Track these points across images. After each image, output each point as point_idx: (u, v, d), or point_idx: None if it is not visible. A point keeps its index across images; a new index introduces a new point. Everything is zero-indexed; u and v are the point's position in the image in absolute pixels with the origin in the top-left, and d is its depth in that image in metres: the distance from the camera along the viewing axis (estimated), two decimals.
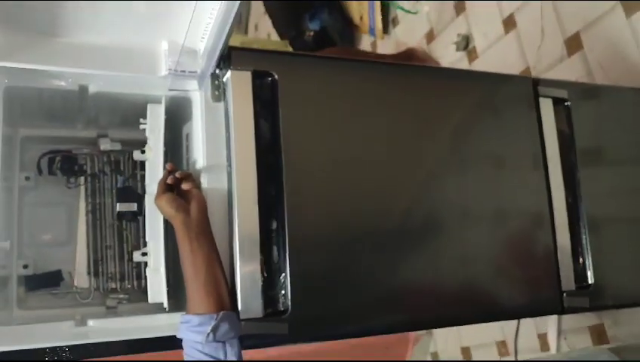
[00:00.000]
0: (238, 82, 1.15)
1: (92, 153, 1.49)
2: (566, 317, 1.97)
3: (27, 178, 1.43)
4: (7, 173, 1.34)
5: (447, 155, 1.37)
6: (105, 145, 1.46)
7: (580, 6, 1.90)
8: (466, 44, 2.44)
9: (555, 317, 2.00)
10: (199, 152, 1.19)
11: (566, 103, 1.49)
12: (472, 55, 2.41)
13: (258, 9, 4.05)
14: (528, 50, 2.12)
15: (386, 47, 2.98)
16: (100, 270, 1.46)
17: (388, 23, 2.98)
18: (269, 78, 1.19)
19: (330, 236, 1.20)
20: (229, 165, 1.15)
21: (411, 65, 1.91)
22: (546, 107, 1.47)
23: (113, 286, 1.47)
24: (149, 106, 1.22)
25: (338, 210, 1.22)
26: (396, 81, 1.38)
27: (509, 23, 2.22)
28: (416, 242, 1.29)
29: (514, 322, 2.13)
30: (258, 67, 1.18)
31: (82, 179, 1.48)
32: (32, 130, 1.43)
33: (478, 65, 2.37)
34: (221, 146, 1.17)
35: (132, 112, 1.35)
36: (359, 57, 2.67)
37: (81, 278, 1.45)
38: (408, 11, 2.81)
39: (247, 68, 1.16)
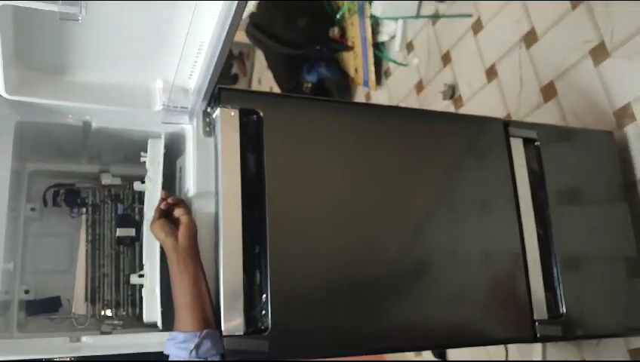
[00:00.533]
0: (227, 119, 1.27)
1: (94, 187, 1.60)
2: (550, 353, 2.02)
3: (32, 209, 1.53)
4: (14, 203, 1.45)
5: (427, 198, 1.47)
6: (106, 179, 1.58)
7: (554, 56, 2.04)
8: (452, 93, 2.58)
9: (539, 352, 2.05)
10: (191, 182, 1.30)
11: (536, 143, 1.60)
12: (457, 103, 2.55)
13: (261, 64, 4.24)
14: (509, 98, 2.25)
15: (380, 97, 3.13)
16: (97, 297, 1.54)
17: (381, 75, 3.14)
18: (255, 116, 1.31)
19: (309, 263, 1.29)
20: (217, 194, 1.25)
21: (391, 107, 2.03)
22: (517, 147, 1.58)
23: (109, 313, 1.55)
24: (149, 141, 1.34)
25: (318, 241, 1.32)
26: (377, 123, 1.49)
27: (491, 73, 2.36)
28: (395, 275, 1.38)
29: (501, 356, 2.17)
30: (245, 105, 1.30)
31: (84, 209, 1.58)
32: (39, 165, 1.55)
33: (464, 112, 2.50)
34: (210, 177, 1.29)
35: (132, 150, 1.47)
36: None
37: (79, 305, 1.53)
38: (399, 64, 2.97)
39: (235, 106, 1.28)
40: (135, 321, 1.55)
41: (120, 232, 1.44)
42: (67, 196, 1.57)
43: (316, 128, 1.40)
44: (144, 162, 1.36)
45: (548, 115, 2.04)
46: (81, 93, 1.14)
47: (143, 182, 1.36)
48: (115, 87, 1.17)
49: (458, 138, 1.57)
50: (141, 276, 1.32)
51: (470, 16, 2.47)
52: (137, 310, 1.55)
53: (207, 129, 1.30)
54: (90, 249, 1.58)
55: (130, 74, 1.17)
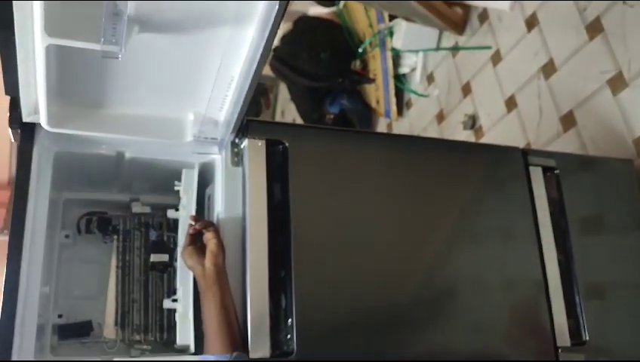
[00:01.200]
0: (254, 149, 1.33)
1: (125, 215, 1.66)
2: None
3: (67, 236, 1.60)
4: (50, 231, 1.52)
5: (448, 227, 1.50)
6: (136, 208, 1.64)
7: (573, 86, 2.07)
8: (472, 123, 2.61)
9: None
10: (219, 209, 1.36)
11: (555, 172, 1.63)
12: (478, 133, 2.58)
13: (284, 96, 4.34)
14: (528, 127, 2.29)
15: (401, 128, 3.18)
16: (127, 322, 1.59)
17: (402, 105, 3.20)
18: (281, 146, 1.36)
19: (333, 288, 1.33)
20: (244, 221, 1.30)
21: (412, 137, 2.07)
22: (536, 175, 1.61)
23: (137, 338, 1.60)
24: (184, 171, 1.41)
25: (342, 268, 1.35)
26: (399, 152, 1.54)
27: (511, 103, 2.40)
28: (418, 303, 1.41)
29: None
30: (271, 136, 1.36)
31: (115, 236, 1.64)
32: (74, 194, 1.62)
33: (485, 142, 2.53)
34: (238, 204, 1.34)
35: (161, 180, 1.54)
36: None
37: (109, 329, 1.58)
38: (420, 95, 3.02)
39: (261, 137, 1.34)
40: (162, 346, 1.59)
41: (154, 258, 1.50)
42: (99, 224, 1.64)
43: (339, 158, 1.45)
44: (178, 191, 1.42)
45: (567, 144, 2.07)
46: (116, 125, 1.21)
47: (176, 209, 1.42)
48: (148, 119, 1.23)
49: (479, 167, 1.61)
50: (174, 301, 1.36)
51: (490, 48, 2.52)
52: (165, 335, 1.60)
53: (235, 159, 1.36)
54: (120, 275, 1.63)
55: (163, 107, 1.23)
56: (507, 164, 1.61)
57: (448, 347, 1.41)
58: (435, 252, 1.48)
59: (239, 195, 1.35)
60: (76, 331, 1.54)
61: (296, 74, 3.31)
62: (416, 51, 3.00)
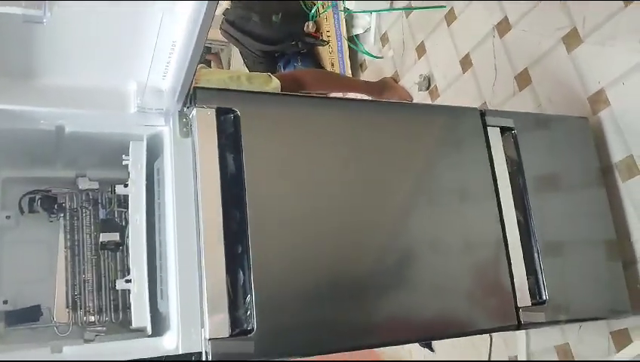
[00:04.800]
0: (203, 119, 1.26)
1: (71, 192, 1.57)
2: (534, 339, 2.05)
3: (8, 217, 1.51)
4: None
5: (407, 190, 1.48)
6: (83, 184, 1.56)
7: (528, 44, 2.05)
8: (427, 84, 2.58)
9: (523, 339, 2.07)
10: (169, 185, 1.29)
11: (513, 132, 1.61)
12: (433, 94, 2.56)
13: (237, 61, 4.22)
14: (484, 87, 2.27)
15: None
16: (79, 304, 1.52)
17: (356, 67, 3.14)
18: (232, 115, 1.30)
19: (291, 261, 1.28)
20: (196, 195, 1.24)
21: (367, 101, 2.03)
22: (494, 136, 1.59)
23: (92, 319, 1.53)
24: (131, 143, 1.32)
25: (299, 239, 1.31)
26: (353, 117, 1.49)
27: (466, 63, 2.37)
28: (378, 269, 1.39)
29: (486, 346, 2.19)
30: (222, 104, 1.29)
31: (62, 214, 1.55)
32: (13, 172, 1.52)
33: (440, 103, 2.50)
34: (189, 178, 1.27)
35: (109, 152, 1.45)
36: (337, 81, 2.81)
37: (60, 312, 1.51)
38: (374, 56, 2.97)
39: (211, 105, 1.27)
40: (119, 327, 1.53)
41: (104, 237, 1.42)
42: (44, 202, 1.55)
43: (293, 124, 1.40)
44: (126, 165, 1.34)
45: (523, 103, 2.06)
46: (50, 97, 1.12)
47: (125, 185, 1.34)
48: (87, 90, 1.15)
49: (436, 129, 1.58)
50: (128, 281, 1.30)
51: (444, 7, 2.48)
52: (121, 315, 1.54)
53: (185, 129, 1.29)
54: (69, 255, 1.55)
55: (102, 76, 1.15)
56: (465, 125, 1.58)
57: (411, 310, 1.40)
58: (394, 215, 1.45)
59: (190, 168, 1.28)
60: (24, 317, 1.47)
61: (249, 37, 3.21)
62: (370, 12, 2.93)
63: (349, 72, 3.13)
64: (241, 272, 1.23)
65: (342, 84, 2.82)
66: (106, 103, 1.16)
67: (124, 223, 1.49)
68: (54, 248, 1.56)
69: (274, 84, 2.17)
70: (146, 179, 1.34)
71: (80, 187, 1.56)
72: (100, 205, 1.52)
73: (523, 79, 2.08)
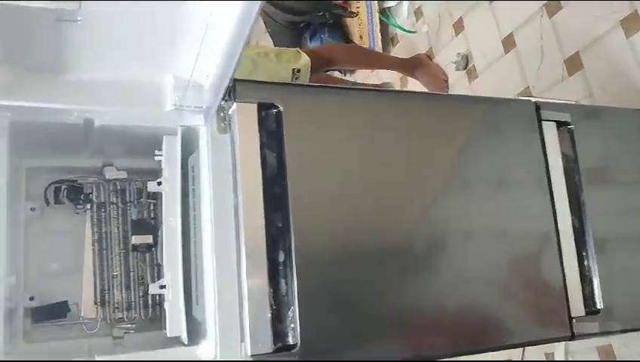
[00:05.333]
0: (244, 114, 1.16)
1: (98, 182, 1.49)
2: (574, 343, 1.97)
3: (32, 209, 1.43)
4: (12, 203, 1.35)
5: (452, 178, 1.38)
6: (110, 173, 1.48)
7: (580, 26, 1.92)
8: (465, 63, 2.45)
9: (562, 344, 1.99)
10: (205, 183, 1.20)
11: (569, 127, 1.50)
12: (471, 74, 2.43)
13: (260, 27, 4.07)
14: (528, 70, 2.14)
15: None
16: (107, 299, 1.46)
17: (387, 42, 3.00)
18: (274, 110, 1.20)
19: (337, 266, 1.20)
20: (236, 197, 1.15)
21: (416, 93, 1.93)
22: (550, 131, 1.47)
23: (120, 315, 1.47)
24: (165, 138, 1.23)
25: (344, 239, 1.23)
26: (400, 107, 1.39)
27: (508, 43, 2.23)
28: (420, 265, 1.29)
29: None
30: (263, 99, 1.18)
31: (89, 205, 1.47)
32: (37, 161, 1.43)
33: (478, 85, 2.38)
34: (227, 178, 1.18)
35: (138, 141, 1.36)
36: (368, 57, 2.69)
37: (88, 309, 1.45)
38: (407, 31, 2.83)
39: (252, 100, 1.17)
40: (148, 324, 1.47)
41: (136, 240, 1.35)
42: (69, 192, 1.47)
43: (339, 119, 1.30)
44: (159, 161, 1.25)
45: (572, 90, 1.93)
46: (81, 93, 1.02)
47: (159, 183, 1.25)
48: (119, 85, 1.05)
49: (486, 120, 1.47)
50: (162, 286, 1.23)
51: None
52: (150, 311, 1.48)
53: (222, 125, 1.19)
54: (97, 248, 1.48)
55: (137, 70, 1.04)
56: (519, 118, 1.47)
57: (458, 315, 1.31)
58: (448, 211, 1.35)
59: (228, 166, 1.19)
60: (51, 313, 1.41)
61: (274, 7, 3.07)
62: None
63: (379, 46, 3.00)
64: (284, 282, 1.14)
65: (373, 61, 2.70)
66: (140, 99, 1.06)
67: (154, 218, 1.41)
68: (81, 241, 1.48)
69: (303, 60, 2.05)
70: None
71: (107, 177, 1.48)
72: (130, 203, 1.42)
73: (573, 64, 1.94)
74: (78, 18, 0.73)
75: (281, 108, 1.19)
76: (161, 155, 1.24)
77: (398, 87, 2.88)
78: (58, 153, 1.44)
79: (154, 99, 1.06)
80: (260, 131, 1.18)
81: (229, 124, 1.19)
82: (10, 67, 0.94)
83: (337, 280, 1.19)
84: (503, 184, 1.43)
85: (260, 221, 1.14)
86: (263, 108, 1.19)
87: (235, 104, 1.15)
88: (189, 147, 1.29)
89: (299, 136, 1.21)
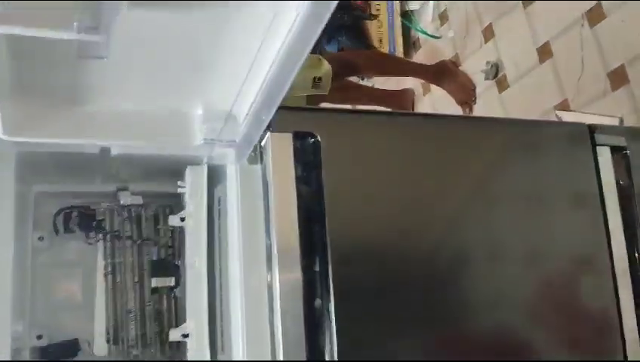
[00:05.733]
0: (279, 146, 1.04)
1: (112, 207, 1.38)
2: None
3: (40, 238, 1.32)
4: (19, 232, 1.23)
5: (500, 200, 1.28)
6: (125, 198, 1.36)
7: (625, 37, 1.79)
8: (495, 72, 2.32)
9: None
10: (234, 221, 1.08)
11: (625, 152, 1.38)
12: (501, 84, 2.30)
13: None
14: (566, 82, 2.01)
15: None
16: (121, 336, 1.34)
17: (409, 47, 2.87)
18: (312, 140, 1.07)
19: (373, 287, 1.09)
20: (269, 239, 1.03)
21: (458, 117, 1.82)
22: (604, 156, 1.35)
23: (135, 353, 1.35)
24: (188, 169, 1.11)
25: (383, 264, 1.13)
26: (440, 131, 1.28)
27: (544, 52, 2.10)
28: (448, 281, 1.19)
29: None
30: (299, 128, 1.06)
31: (101, 234, 1.36)
32: (46, 186, 1.32)
33: (509, 95, 2.25)
34: (258, 215, 1.06)
35: (155, 165, 1.24)
36: (390, 64, 2.57)
37: (100, 347, 1.34)
38: (432, 36, 2.70)
39: (287, 129, 1.05)
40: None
41: (156, 282, 1.23)
42: (81, 220, 1.37)
43: (375, 144, 1.18)
44: (182, 193, 1.13)
45: (616, 105, 1.80)
46: (98, 125, 0.90)
47: (182, 219, 1.13)
48: (140, 116, 0.92)
49: (538, 145, 1.35)
50: (185, 335, 1.11)
51: None
52: (167, 348, 1.36)
53: (253, 154, 1.07)
54: (110, 281, 1.36)
55: (161, 99, 0.92)
56: (572, 142, 1.35)
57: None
58: (496, 232, 1.26)
59: (259, 202, 1.07)
60: (61, 353, 1.29)
61: None
62: None
63: (400, 51, 2.87)
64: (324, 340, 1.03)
65: (397, 68, 2.57)
66: (164, 131, 0.94)
67: (173, 251, 1.29)
68: (92, 273, 1.37)
69: (324, 68, 1.93)
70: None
71: (122, 202, 1.37)
72: (148, 241, 1.30)
73: (618, 77, 1.81)
74: (105, 54, 0.61)
75: (319, 138, 1.07)
76: (184, 187, 1.12)
77: (420, 94, 2.75)
78: (69, 178, 1.33)
79: (180, 131, 0.94)
80: (295, 162, 1.06)
81: (261, 154, 1.07)
82: (22, 100, 0.82)
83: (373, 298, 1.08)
84: (550, 206, 1.31)
85: (297, 270, 1.02)
86: (299, 137, 1.07)
87: (268, 133, 1.03)
88: (214, 177, 1.17)
89: (337, 166, 1.09)
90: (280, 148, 1.04)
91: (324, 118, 1.15)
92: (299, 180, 1.07)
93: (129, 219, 1.38)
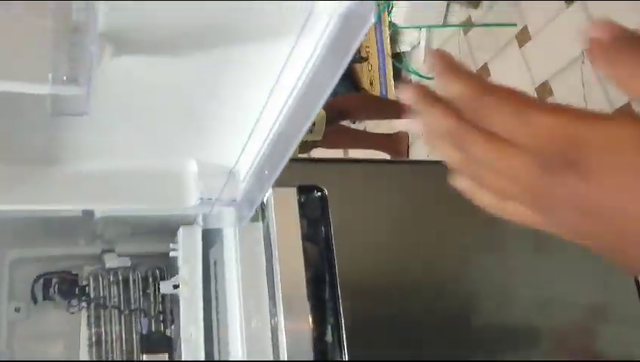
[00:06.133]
0: (282, 201, 0.94)
1: (96, 271, 1.26)
2: None
3: (17, 309, 1.19)
4: None
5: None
6: (111, 262, 1.24)
7: None
8: None
9: None
10: (234, 283, 0.97)
11: None
12: None
13: None
14: None
15: None
16: None
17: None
18: (318, 193, 0.98)
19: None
20: (274, 306, 0.92)
21: None
22: None
23: None
24: (181, 230, 1.00)
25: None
26: (436, 175, 1.19)
27: (544, 91, 2.04)
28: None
29: None
30: (304, 181, 0.97)
31: (85, 303, 1.24)
32: (24, 251, 1.20)
33: None
34: (261, 278, 0.95)
35: (144, 225, 1.13)
36: (382, 107, 2.53)
37: None
38: (424, 76, 2.64)
39: (291, 183, 0.95)
40: None
41: (148, 358, 1.10)
42: (61, 286, 1.24)
43: (378, 192, 1.11)
44: (174, 257, 1.02)
45: None
46: (78, 188, 0.79)
47: (175, 286, 1.02)
48: (127, 175, 0.82)
49: None
50: None
51: (514, 25, 2.15)
52: None
53: (254, 211, 0.96)
54: (94, 353, 1.23)
55: (150, 156, 0.82)
56: None
57: None
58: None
59: (261, 263, 0.96)
60: None
61: None
62: (420, 28, 2.60)
63: (392, 92, 2.81)
64: None
65: (388, 111, 2.51)
66: (154, 192, 0.83)
67: (164, 320, 1.17)
68: (75, 344, 1.24)
69: (318, 114, 1.85)
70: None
71: (107, 265, 1.25)
72: (138, 310, 1.18)
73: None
74: (85, 110, 0.50)
75: (326, 192, 0.97)
76: (176, 250, 1.01)
77: (414, 136, 2.68)
78: (48, 240, 1.21)
79: (173, 191, 0.83)
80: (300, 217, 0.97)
81: (262, 211, 0.96)
82: None
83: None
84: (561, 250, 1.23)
85: (306, 328, 0.90)
86: (304, 191, 0.97)
87: (271, 189, 0.93)
88: (209, 237, 1.06)
89: (344, 217, 1.00)
90: (284, 204, 0.94)
91: (326, 169, 1.06)
92: (304, 237, 0.96)
93: (115, 284, 1.26)
